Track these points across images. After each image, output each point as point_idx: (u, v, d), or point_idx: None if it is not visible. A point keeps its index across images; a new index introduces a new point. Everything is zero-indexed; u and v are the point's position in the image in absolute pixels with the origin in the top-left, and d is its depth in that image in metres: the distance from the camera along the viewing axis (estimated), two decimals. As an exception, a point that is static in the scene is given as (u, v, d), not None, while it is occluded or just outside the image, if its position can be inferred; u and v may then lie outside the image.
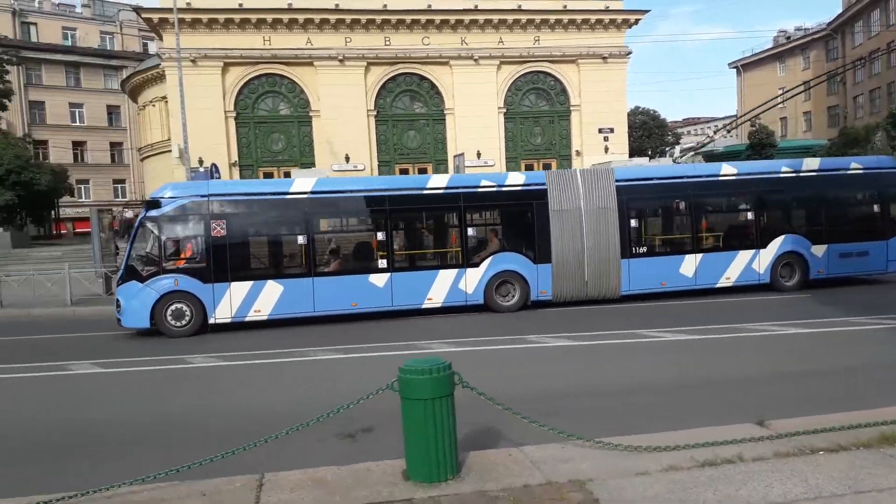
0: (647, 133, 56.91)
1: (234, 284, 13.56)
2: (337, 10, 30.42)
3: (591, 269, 14.77)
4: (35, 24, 55.44)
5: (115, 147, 56.80)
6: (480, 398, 4.75)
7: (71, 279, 18.31)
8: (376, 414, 6.17)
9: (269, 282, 13.78)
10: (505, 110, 32.91)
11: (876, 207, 16.59)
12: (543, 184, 14.91)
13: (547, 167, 32.21)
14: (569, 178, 15.09)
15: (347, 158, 30.83)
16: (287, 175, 29.81)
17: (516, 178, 15.28)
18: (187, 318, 13.35)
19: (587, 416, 6.51)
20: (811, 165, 16.49)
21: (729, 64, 67.74)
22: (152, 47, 52.42)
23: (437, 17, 31.21)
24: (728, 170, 16.09)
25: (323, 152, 31.00)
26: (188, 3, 28.81)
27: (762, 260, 15.71)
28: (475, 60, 32.02)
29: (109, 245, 22.19)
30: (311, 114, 31.39)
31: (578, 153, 33.21)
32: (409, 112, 32.88)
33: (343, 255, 14.91)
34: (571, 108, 33.54)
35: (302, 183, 14.28)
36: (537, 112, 33.77)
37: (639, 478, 4.37)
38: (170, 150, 31.38)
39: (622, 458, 4.73)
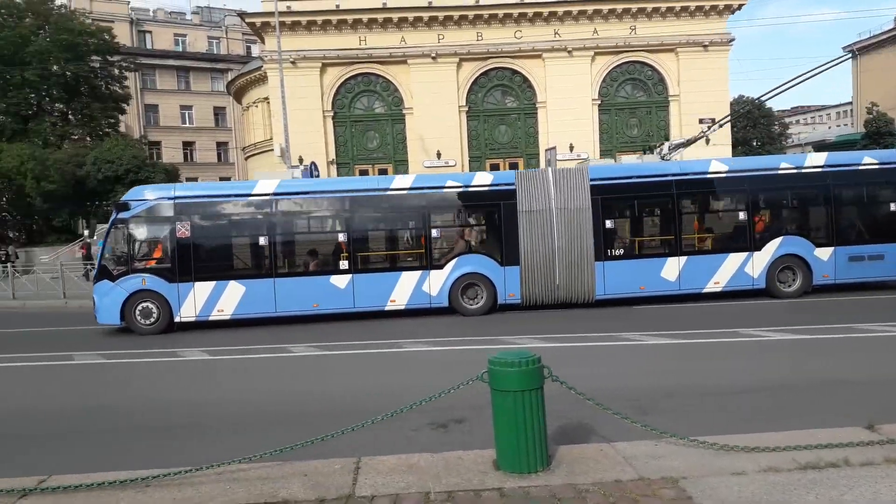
0: (752, 123, 54.38)
1: (198, 284, 13.94)
2: (430, 8, 30.80)
3: (562, 272, 14.26)
4: (150, 31, 59.20)
5: (221, 146, 59.84)
6: (570, 393, 4.75)
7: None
8: (468, 405, 6.29)
9: (232, 282, 14.07)
10: (599, 102, 32.31)
11: (893, 206, 15.04)
12: (512, 184, 14.53)
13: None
14: (539, 178, 14.60)
15: (439, 155, 31.21)
16: (383, 172, 30.83)
17: (484, 179, 14.89)
18: (154, 317, 13.90)
19: (680, 415, 6.38)
20: (816, 161, 15.21)
21: (844, 48, 63.38)
22: (255, 50, 54.80)
23: (530, 10, 31.01)
24: (718, 167, 15.09)
25: (415, 149, 31.53)
26: (288, 7, 29.95)
27: (756, 263, 14.67)
28: (569, 52, 31.60)
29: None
30: (404, 111, 31.96)
31: (677, 145, 32.14)
32: (501, 106, 32.88)
33: (304, 256, 14.87)
34: (670, 99, 32.52)
35: (264, 185, 14.48)
36: (634, 103, 32.96)
37: (734, 477, 4.26)
38: (272, 149, 32.76)
39: (717, 457, 4.62)
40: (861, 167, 15.19)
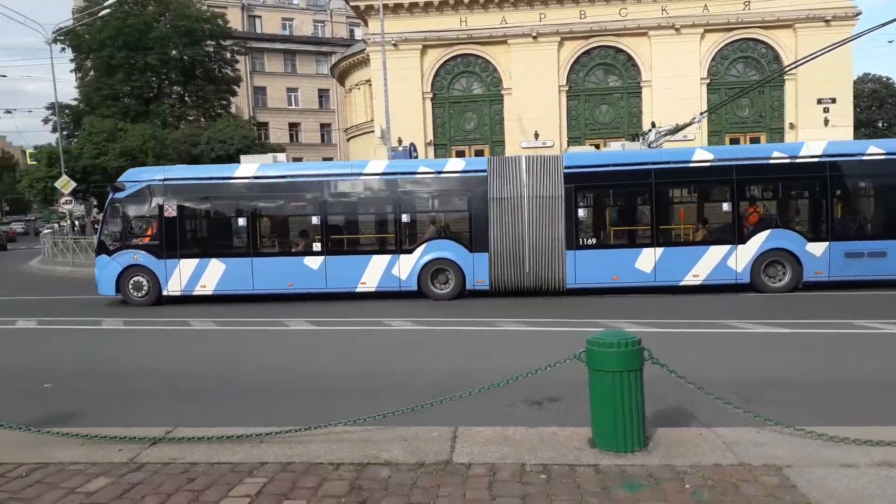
0: (879, 103, 50.69)
1: (183, 261, 14.84)
2: (532, -14, 30.39)
3: (532, 260, 14.05)
4: (259, 16, 61.66)
5: (325, 128, 61.70)
6: (670, 377, 4.70)
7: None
8: (564, 384, 6.31)
9: (213, 260, 14.86)
10: (708, 81, 30.93)
11: None
12: (484, 170, 14.38)
13: (755, 141, 29.87)
14: (512, 165, 14.36)
15: (536, 135, 30.89)
16: (479, 153, 30.91)
17: (456, 165, 15.08)
18: (145, 290, 14.92)
19: (784, 406, 6.13)
20: (813, 150, 14.02)
21: None
22: (358, 33, 55.95)
23: (636, -13, 30.02)
24: (702, 155, 14.30)
25: (513, 130, 31.35)
26: (392, -11, 30.37)
27: (740, 257, 13.86)
28: (676, 30, 30.38)
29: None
30: (502, 92, 31.80)
31: (793, 126, 30.34)
32: (603, 86, 32.08)
33: (280, 237, 15.61)
34: (786, 77, 30.64)
35: (246, 168, 15.05)
36: (746, 82, 31.24)
37: (844, 469, 4.10)
38: (372, 131, 33.51)
39: (824, 447, 4.45)
40: (865, 157, 14.11)
